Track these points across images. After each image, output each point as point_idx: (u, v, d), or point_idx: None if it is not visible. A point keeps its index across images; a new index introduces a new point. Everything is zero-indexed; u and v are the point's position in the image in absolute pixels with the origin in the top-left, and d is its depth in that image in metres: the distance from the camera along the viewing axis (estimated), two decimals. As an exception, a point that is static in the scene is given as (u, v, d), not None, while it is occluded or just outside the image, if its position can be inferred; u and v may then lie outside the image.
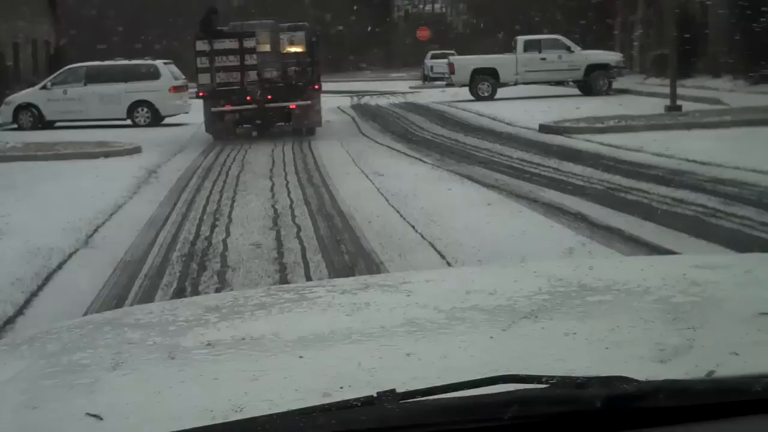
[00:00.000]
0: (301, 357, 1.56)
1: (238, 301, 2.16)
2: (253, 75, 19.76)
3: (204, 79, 19.84)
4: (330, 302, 2.00)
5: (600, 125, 18.31)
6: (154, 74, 26.23)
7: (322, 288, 2.30)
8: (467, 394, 1.22)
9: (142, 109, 26.24)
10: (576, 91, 31.84)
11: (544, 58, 31.07)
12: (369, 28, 60.48)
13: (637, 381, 1.24)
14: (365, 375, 1.43)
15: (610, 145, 16.08)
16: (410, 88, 45.27)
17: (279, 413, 1.21)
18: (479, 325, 1.71)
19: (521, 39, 31.77)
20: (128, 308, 3.62)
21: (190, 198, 12.68)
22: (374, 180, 13.25)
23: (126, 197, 12.61)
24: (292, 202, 11.75)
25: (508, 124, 21.68)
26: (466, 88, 31.89)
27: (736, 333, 1.55)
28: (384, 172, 14.06)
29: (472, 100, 30.96)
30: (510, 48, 33.86)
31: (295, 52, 20.78)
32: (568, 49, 31.19)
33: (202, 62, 19.76)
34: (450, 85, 32.13)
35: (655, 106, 22.23)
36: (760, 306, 1.66)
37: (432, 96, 35.66)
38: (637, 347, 1.50)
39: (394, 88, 45.01)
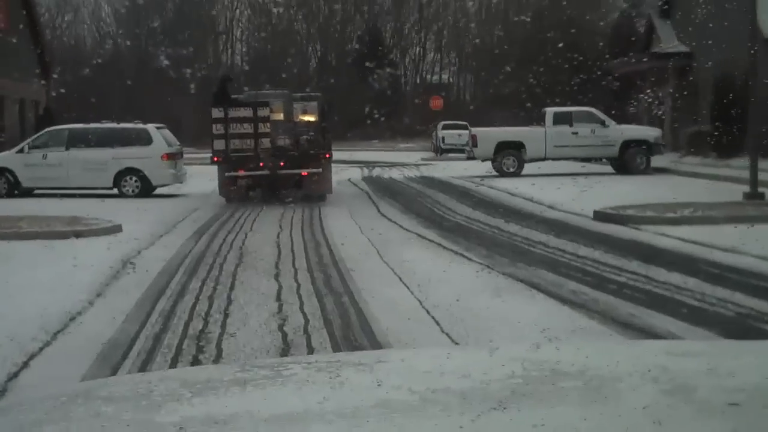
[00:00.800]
0: None
1: (213, 376, 2.15)
2: (266, 142, 20.21)
3: (219, 145, 20.31)
4: (305, 380, 2.02)
5: (671, 215, 15.14)
6: (144, 139, 23.12)
7: (298, 365, 2.25)
8: None
9: (131, 178, 23.08)
10: (608, 168, 28.76)
11: (575, 133, 28.03)
12: (373, 100, 57.81)
13: None
14: None
15: (694, 242, 12.88)
16: (422, 159, 42.28)
17: None
18: (451, 410, 1.68)
19: (551, 111, 28.75)
20: (103, 380, 3.11)
21: (168, 307, 9.39)
22: (412, 286, 10.00)
23: (84, 303, 9.34)
24: (306, 322, 8.47)
25: (549, 207, 18.51)
26: (484, 163, 28.84)
27: (705, 425, 1.56)
28: (421, 273, 10.81)
29: (494, 176, 27.87)
30: (527, 120, 30.95)
31: (307, 121, 21.19)
32: (602, 123, 28.15)
33: (218, 129, 20.35)
34: (471, 158, 28.96)
35: (717, 191, 19.10)
36: (729, 396, 1.67)
37: (448, 169, 32.63)
38: None
39: (405, 160, 42.09)
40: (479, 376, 1.92)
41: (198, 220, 17.86)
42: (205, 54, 71.86)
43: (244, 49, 74.93)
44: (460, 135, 49.05)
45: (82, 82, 52.33)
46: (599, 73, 38.81)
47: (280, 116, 20.77)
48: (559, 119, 28.36)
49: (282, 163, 20.43)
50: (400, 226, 16.25)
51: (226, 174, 20.58)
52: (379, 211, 18.97)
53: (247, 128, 20.35)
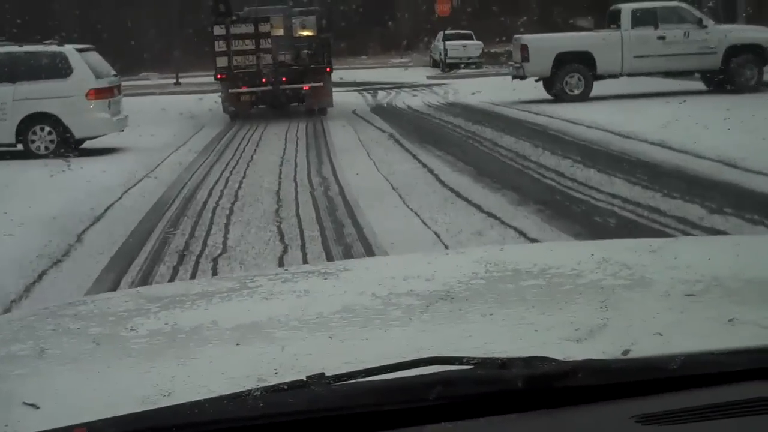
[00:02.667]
0: (237, 345, 1.54)
1: (179, 291, 2.14)
2: (268, 58, 20.01)
3: (222, 62, 20.06)
4: (271, 291, 1.99)
5: None
6: (61, 68, 15.00)
7: (264, 277, 2.24)
8: (394, 377, 1.22)
9: (42, 129, 15.01)
10: (700, 85, 20.87)
11: (662, 37, 20.00)
12: (359, 8, 49.12)
13: (557, 361, 1.23)
14: (299, 361, 1.41)
15: None
16: (428, 77, 34.13)
17: (208, 398, 1.20)
18: (413, 311, 1.68)
19: (627, 8, 20.62)
20: (71, 300, 3.03)
21: None
22: None
23: None
24: None
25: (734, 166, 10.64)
26: (512, 81, 21.07)
27: (660, 313, 1.54)
28: None
29: (548, 101, 19.96)
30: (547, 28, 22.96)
31: (307, 36, 20.95)
32: (699, 22, 20.11)
33: (220, 46, 20.03)
34: (519, 77, 20.91)
35: None
36: (687, 288, 1.66)
37: (470, 90, 24.60)
38: (559, 329, 1.47)
39: (408, 78, 33.87)
40: (442, 278, 1.89)
41: (132, 212, 9.93)
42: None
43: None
44: (465, 46, 40.90)
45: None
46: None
47: (281, 31, 20.45)
48: (640, 19, 20.28)
49: (284, 78, 20.14)
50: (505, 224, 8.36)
51: (230, 90, 20.27)
52: (444, 184, 10.96)
53: (249, 44, 19.99)
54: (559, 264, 2.00)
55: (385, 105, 23.40)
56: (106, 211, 10.00)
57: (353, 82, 33.49)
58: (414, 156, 13.19)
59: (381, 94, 27.35)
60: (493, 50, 37.35)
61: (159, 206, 10.23)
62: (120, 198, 10.81)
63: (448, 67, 39.94)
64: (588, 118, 16.12)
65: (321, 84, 20.32)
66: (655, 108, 16.58)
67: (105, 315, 1.91)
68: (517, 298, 1.78)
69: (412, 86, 30.42)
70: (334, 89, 21.73)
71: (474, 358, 1.26)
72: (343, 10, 50.01)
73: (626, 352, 1.36)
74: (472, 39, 41.95)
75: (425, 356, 1.26)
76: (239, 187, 11.30)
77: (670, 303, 1.63)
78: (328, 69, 20.59)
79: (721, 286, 1.74)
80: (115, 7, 47.21)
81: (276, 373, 1.35)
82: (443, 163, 12.23)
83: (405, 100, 24.27)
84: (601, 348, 1.36)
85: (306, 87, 20.39)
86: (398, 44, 49.76)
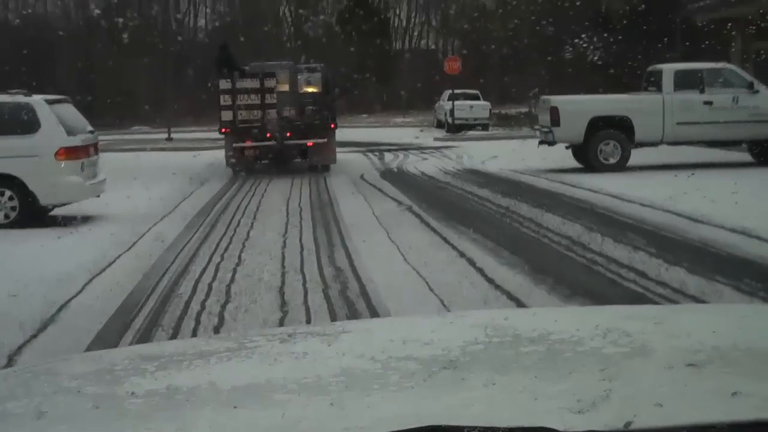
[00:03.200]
0: (235, 407, 1.52)
1: (178, 350, 2.11)
2: (273, 113, 19.88)
3: (226, 116, 19.89)
4: (268, 352, 1.96)
5: None
6: (27, 122, 12.67)
7: (263, 337, 2.19)
8: None
9: (2, 194, 12.69)
10: (745, 156, 18.67)
11: (709, 102, 17.81)
12: (360, 67, 47.29)
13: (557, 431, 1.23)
14: (298, 426, 1.41)
15: None
16: (436, 139, 31.91)
17: None
18: (412, 376, 1.67)
19: (670, 69, 18.45)
20: (67, 357, 2.72)
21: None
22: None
23: None
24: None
25: None
26: (538, 147, 18.93)
27: (662, 384, 1.53)
28: None
29: (579, 170, 17.72)
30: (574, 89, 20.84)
31: (312, 92, 20.77)
32: (750, 86, 17.94)
33: (225, 100, 19.90)
34: (547, 142, 18.67)
35: None
36: (688, 357, 1.64)
37: (488, 155, 22.47)
38: (560, 399, 1.45)
39: (415, 140, 31.76)
40: (442, 343, 1.87)
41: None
42: (167, 21, 60.97)
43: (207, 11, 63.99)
44: (472, 107, 38.79)
45: None
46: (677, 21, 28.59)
47: (286, 87, 20.39)
48: (684, 82, 18.11)
49: (288, 134, 20.08)
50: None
51: (234, 145, 20.17)
52: (495, 285, 8.55)
53: (255, 99, 19.98)
54: (560, 330, 1.97)
55: (395, 169, 21.13)
56: (57, 313, 7.57)
57: (356, 141, 31.37)
58: (444, 239, 10.81)
59: (388, 156, 25.11)
60: (502, 112, 35.15)
61: (126, 309, 7.79)
62: (80, 292, 8.39)
63: (455, 128, 37.96)
64: (637, 193, 13.84)
65: (325, 140, 20.17)
66: (711, 183, 14.30)
67: (102, 373, 1.88)
68: (518, 365, 1.73)
69: (420, 148, 28.22)
70: (337, 149, 21.10)
71: (476, 428, 1.26)
72: (344, 68, 48.18)
73: (628, 424, 1.32)
74: (479, 99, 39.92)
75: (427, 424, 1.26)
76: (232, 280, 8.88)
77: (671, 373, 1.60)
78: (332, 125, 20.46)
79: (722, 357, 1.70)
80: (107, 57, 45.20)
81: None
82: (484, 252, 9.84)
83: (416, 164, 21.99)
84: (603, 419, 1.33)
85: (310, 143, 20.17)
86: (400, 103, 47.73)
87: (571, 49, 42.18)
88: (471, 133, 32.93)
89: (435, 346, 1.86)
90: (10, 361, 6.16)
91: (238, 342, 2.14)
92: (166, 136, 32.97)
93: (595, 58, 40.34)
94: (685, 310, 3.02)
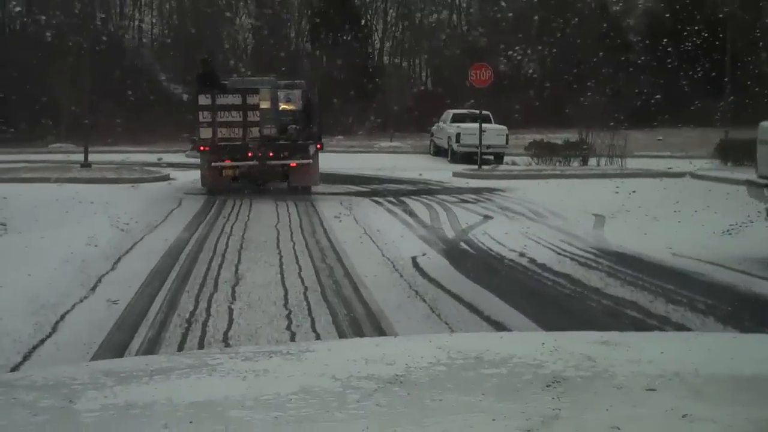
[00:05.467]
0: (190, 422, 1.50)
1: (138, 366, 2.05)
2: (255, 131, 17.83)
3: (205, 133, 17.86)
4: (230, 369, 1.91)
5: None
6: None
7: (225, 355, 2.17)
8: None
9: None
10: None
11: None
12: (339, 82, 38.21)
13: None
14: None
15: None
16: (457, 175, 22.78)
17: None
18: (371, 395, 1.64)
19: None
20: (26, 372, 2.82)
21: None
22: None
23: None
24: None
25: None
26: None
27: (617, 407, 1.51)
28: None
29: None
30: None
31: (296, 110, 18.96)
32: None
33: (204, 116, 17.88)
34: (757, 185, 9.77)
35: None
36: (648, 382, 1.62)
37: (596, 213, 13.78)
38: (513, 419, 1.44)
39: (425, 176, 22.72)
40: (404, 363, 1.85)
41: None
42: (102, 24, 51.24)
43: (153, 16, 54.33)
44: (483, 131, 29.81)
45: None
46: None
47: (267, 104, 18.21)
48: None
49: (271, 153, 17.70)
50: None
51: (213, 164, 17.73)
52: None
53: (236, 116, 17.77)
54: (522, 354, 1.94)
55: (463, 244, 11.83)
56: None
57: (347, 175, 22.30)
58: None
59: (414, 205, 15.93)
60: (544, 139, 26.12)
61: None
62: None
63: (455, 156, 29.07)
64: None
65: (310, 161, 18.13)
66: None
67: (59, 387, 1.80)
68: (476, 386, 1.70)
69: (446, 189, 19.22)
70: (330, 187, 18.72)
71: None
72: (315, 82, 39.10)
73: None
74: (491, 122, 31.03)
75: None
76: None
77: (628, 396, 1.58)
78: (318, 145, 18.39)
79: (682, 382, 1.69)
80: (24, 60, 35.47)
81: None
82: None
83: (486, 230, 12.73)
84: None
85: (293, 164, 18.11)
86: (383, 124, 38.60)
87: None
88: (504, 167, 23.83)
89: (397, 366, 1.82)
90: None
91: (200, 359, 2.09)
92: (80, 161, 23.35)
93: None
94: (653, 338, 2.90)
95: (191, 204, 16.28)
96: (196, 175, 22.15)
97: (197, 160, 19.61)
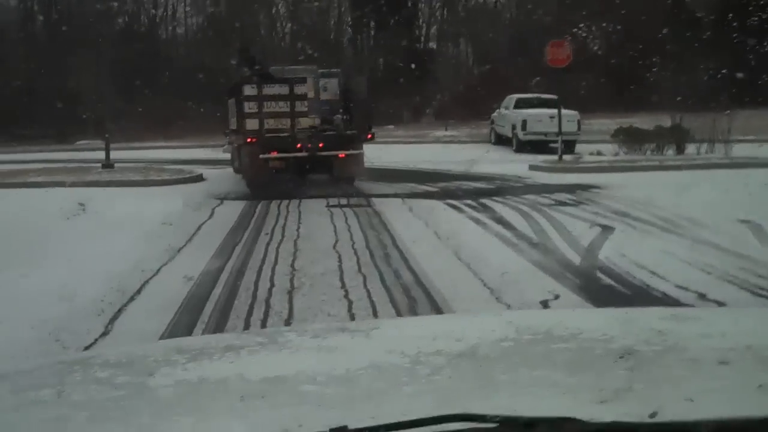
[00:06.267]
0: (263, 397, 1.50)
1: (209, 344, 2.05)
2: (303, 122, 16.71)
3: (252, 124, 16.61)
4: (299, 346, 1.91)
5: None
6: None
7: (294, 332, 2.16)
8: None
9: None
10: None
11: None
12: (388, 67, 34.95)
13: (582, 422, 1.21)
14: (324, 414, 1.36)
15: None
16: (534, 168, 19.29)
17: None
18: (440, 370, 1.63)
19: None
20: (99, 350, 2.70)
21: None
22: None
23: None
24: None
25: None
26: None
27: (691, 380, 1.49)
28: None
29: None
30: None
31: (344, 99, 17.89)
32: None
33: (250, 107, 16.63)
34: None
35: None
36: (721, 356, 1.59)
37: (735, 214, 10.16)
38: (586, 392, 1.41)
39: (499, 168, 19.37)
40: (472, 339, 1.80)
41: None
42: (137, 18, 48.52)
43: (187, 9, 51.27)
44: (552, 118, 26.29)
45: None
46: None
47: (313, 94, 17.30)
48: None
49: (321, 144, 16.47)
50: None
51: (261, 156, 16.40)
52: None
53: (283, 107, 16.56)
54: (592, 329, 1.91)
55: (616, 283, 8.43)
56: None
57: (404, 170, 19.07)
58: None
59: (507, 213, 12.54)
60: (633, 125, 22.48)
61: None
62: None
63: (521, 144, 25.69)
64: None
65: (360, 151, 16.87)
66: None
67: (133, 364, 1.83)
68: (546, 360, 1.67)
69: (527, 186, 15.92)
70: (387, 186, 16.73)
71: (498, 416, 1.23)
72: (363, 68, 35.90)
73: (653, 414, 1.28)
74: (557, 107, 27.47)
75: (449, 413, 1.24)
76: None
77: (701, 369, 1.57)
78: (369, 135, 17.08)
79: (755, 356, 1.64)
80: (45, 55, 32.61)
81: (300, 425, 1.29)
82: None
83: (626, 250, 9.27)
84: (629, 410, 1.28)
85: (342, 155, 16.70)
86: (434, 111, 35.12)
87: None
88: (590, 158, 20.23)
89: (465, 342, 1.80)
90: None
91: (270, 337, 2.08)
92: (101, 162, 20.25)
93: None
94: (725, 313, 2.89)
95: (227, 213, 13.08)
96: (230, 173, 19.09)
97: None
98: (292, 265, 8.73)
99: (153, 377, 1.66)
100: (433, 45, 44.09)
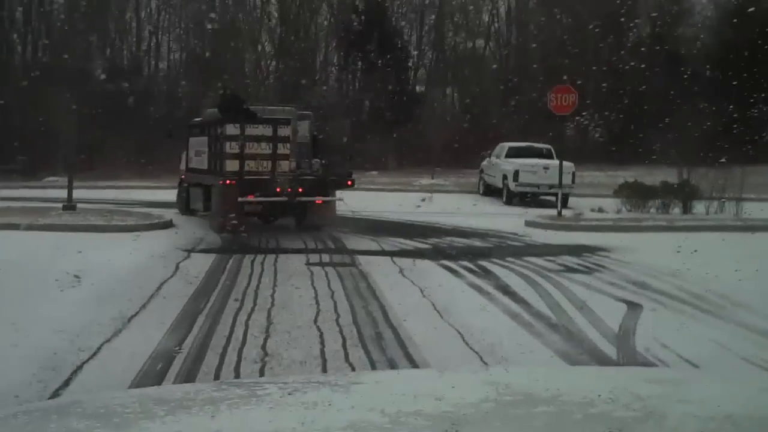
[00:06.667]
0: None
1: (189, 395, 1.99)
2: (284, 165, 15.81)
3: (232, 165, 15.64)
4: (278, 401, 1.87)
5: None
6: None
7: (274, 385, 2.07)
8: None
9: None
10: None
11: None
12: (371, 109, 33.61)
13: None
14: None
15: None
16: (529, 224, 17.76)
17: None
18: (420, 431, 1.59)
19: None
20: (76, 397, 2.70)
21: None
22: None
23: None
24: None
25: None
26: None
27: None
28: None
29: None
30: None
31: (323, 142, 17.40)
32: None
33: (231, 147, 15.67)
34: None
35: None
36: (700, 425, 1.57)
37: None
38: None
39: (493, 222, 17.94)
40: (453, 399, 1.78)
41: None
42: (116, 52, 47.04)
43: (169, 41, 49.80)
44: (546, 169, 24.99)
45: None
46: None
47: (293, 136, 16.14)
48: None
49: (300, 189, 15.76)
50: None
51: (240, 199, 15.48)
52: None
53: (266, 148, 15.68)
54: (571, 391, 1.85)
55: None
56: None
57: (390, 222, 17.53)
58: None
59: (511, 279, 11.01)
60: (611, 176, 21.03)
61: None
62: None
63: (510, 197, 24.30)
64: None
65: (335, 198, 16.46)
66: None
67: (111, 415, 1.76)
68: (528, 426, 1.64)
69: (526, 245, 14.50)
70: (374, 242, 14.69)
71: None
72: (348, 111, 34.56)
73: None
74: (553, 157, 26.13)
75: None
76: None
77: None
78: (349, 182, 16.40)
79: (734, 425, 1.59)
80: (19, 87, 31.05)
81: None
82: None
83: (665, 337, 7.72)
84: None
85: (319, 200, 16.30)
86: (420, 158, 33.68)
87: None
88: (591, 215, 18.67)
89: (445, 402, 1.76)
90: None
91: (249, 389, 2.04)
92: (65, 199, 18.55)
93: None
94: (702, 376, 2.83)
95: (193, 269, 11.44)
96: (202, 221, 17.47)
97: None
98: (264, 348, 7.09)
99: (130, 431, 1.62)
100: (421, 89, 42.79)
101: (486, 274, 11.21)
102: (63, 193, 21.02)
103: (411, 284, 10.24)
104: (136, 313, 8.45)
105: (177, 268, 11.61)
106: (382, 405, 1.72)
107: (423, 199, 24.24)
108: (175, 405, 1.82)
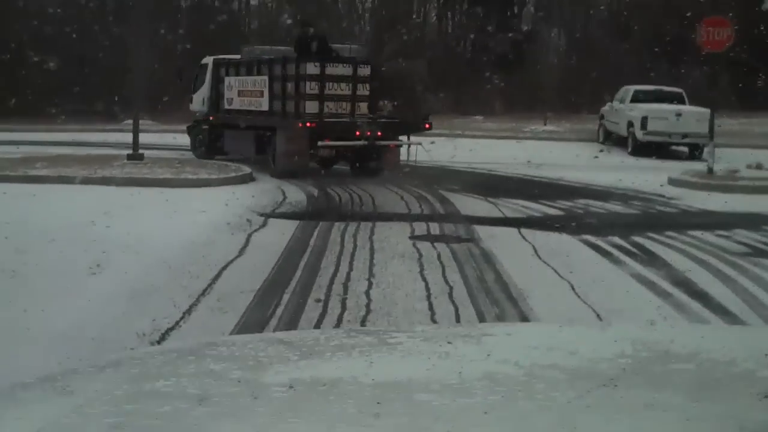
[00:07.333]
0: (378, 403, 1.42)
1: (319, 341, 1.99)
2: (363, 107, 15.20)
3: (311, 107, 14.87)
4: (410, 349, 1.82)
5: None
6: None
7: (404, 334, 2.02)
8: None
9: None
10: None
11: None
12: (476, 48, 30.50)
13: None
14: (441, 428, 1.29)
15: None
16: (672, 182, 14.66)
17: None
18: (558, 386, 1.50)
19: None
20: (211, 340, 2.55)
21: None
22: None
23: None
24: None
25: None
26: None
27: None
28: None
29: None
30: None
31: (404, 84, 16.51)
32: None
33: (311, 88, 14.92)
34: None
35: None
36: None
37: None
38: (713, 421, 1.29)
39: (626, 178, 14.87)
40: (588, 353, 1.68)
41: None
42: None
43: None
44: (679, 115, 21.69)
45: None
46: None
47: (376, 76, 15.42)
48: None
49: (379, 133, 14.92)
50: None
51: (319, 143, 14.76)
52: None
53: (345, 89, 15.02)
54: (710, 348, 1.74)
55: None
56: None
57: (504, 177, 14.82)
58: None
59: (684, 264, 8.17)
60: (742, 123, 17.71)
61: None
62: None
63: (636, 147, 21.11)
64: None
65: (418, 144, 15.31)
66: None
67: (246, 359, 1.76)
68: (667, 382, 1.54)
69: (680, 210, 11.77)
70: (478, 207, 11.94)
71: None
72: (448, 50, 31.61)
73: None
74: (685, 102, 22.75)
75: None
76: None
77: None
78: (427, 125, 15.40)
79: None
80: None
81: None
82: None
83: None
84: None
85: (392, 145, 15.39)
86: (527, 100, 30.52)
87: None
88: (750, 172, 15.46)
89: (580, 357, 1.68)
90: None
91: (379, 338, 1.99)
92: (130, 148, 16.35)
93: None
94: None
95: (267, 245, 8.88)
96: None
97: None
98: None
99: (266, 374, 1.60)
100: (524, 27, 39.31)
101: (651, 259, 8.35)
102: (141, 138, 18.83)
103: (556, 276, 7.46)
104: (177, 322, 5.95)
105: (248, 240, 9.11)
106: (515, 357, 1.64)
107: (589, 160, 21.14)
108: (308, 350, 1.79)
